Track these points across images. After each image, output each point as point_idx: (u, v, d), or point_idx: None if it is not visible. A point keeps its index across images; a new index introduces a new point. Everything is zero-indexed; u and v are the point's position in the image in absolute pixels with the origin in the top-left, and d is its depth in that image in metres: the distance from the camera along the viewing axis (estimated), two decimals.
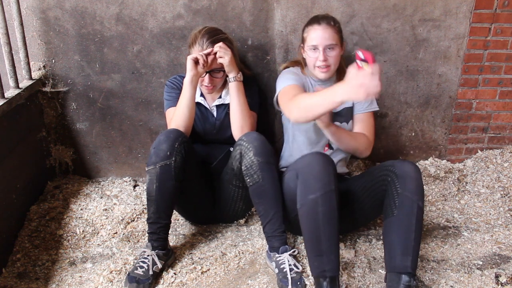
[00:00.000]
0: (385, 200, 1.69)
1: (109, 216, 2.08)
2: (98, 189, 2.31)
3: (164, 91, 2.05)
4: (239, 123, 1.91)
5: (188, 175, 1.83)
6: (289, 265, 1.71)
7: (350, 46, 2.29)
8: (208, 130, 2.04)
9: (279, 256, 1.75)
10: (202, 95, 2.04)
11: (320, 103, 1.53)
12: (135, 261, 1.76)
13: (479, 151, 2.59)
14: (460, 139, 2.56)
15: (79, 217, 2.06)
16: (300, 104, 1.62)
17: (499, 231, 2.08)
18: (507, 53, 2.39)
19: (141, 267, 1.69)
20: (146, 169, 1.76)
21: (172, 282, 1.72)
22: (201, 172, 1.96)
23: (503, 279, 1.74)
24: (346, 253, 1.89)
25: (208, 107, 2.03)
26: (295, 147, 2.04)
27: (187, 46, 2.02)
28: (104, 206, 2.13)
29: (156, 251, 1.75)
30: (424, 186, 2.35)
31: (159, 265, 1.72)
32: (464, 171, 2.49)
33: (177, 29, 2.18)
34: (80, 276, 1.76)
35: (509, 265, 1.84)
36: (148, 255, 1.72)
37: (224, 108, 2.03)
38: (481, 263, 1.86)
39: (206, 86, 1.93)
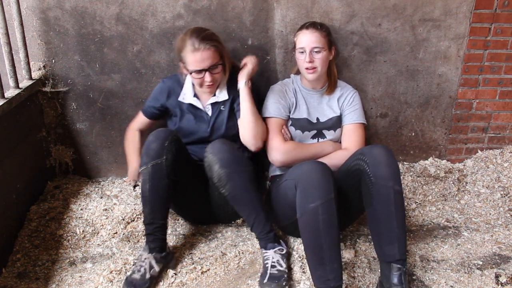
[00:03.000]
0: (362, 190, 1.69)
1: (109, 216, 2.08)
2: (98, 189, 2.31)
3: (156, 87, 2.09)
4: (252, 133, 1.91)
5: (182, 175, 1.83)
6: (272, 262, 1.71)
7: (350, 46, 2.29)
8: (202, 130, 2.02)
9: (266, 252, 1.77)
10: (195, 95, 2.02)
11: (312, 156, 1.96)
12: (134, 264, 1.76)
13: (479, 151, 2.59)
14: (460, 139, 2.56)
15: (79, 217, 2.06)
16: (291, 155, 1.95)
17: (499, 231, 2.08)
18: (507, 53, 2.39)
19: (138, 271, 1.68)
20: (139, 171, 1.77)
21: (172, 282, 1.72)
22: (194, 172, 1.95)
23: (503, 279, 1.74)
24: (346, 253, 1.89)
25: (201, 107, 2.02)
26: None
27: (175, 52, 1.98)
28: (104, 206, 2.13)
29: (154, 253, 1.73)
30: (424, 186, 2.36)
31: (157, 269, 1.71)
32: (464, 171, 2.49)
33: (177, 29, 2.18)
34: (80, 276, 1.76)
35: (509, 265, 1.84)
36: (145, 258, 1.71)
37: (218, 106, 2.02)
38: (481, 263, 1.86)
39: (208, 85, 1.92)
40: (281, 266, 1.71)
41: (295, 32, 2.05)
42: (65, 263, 1.84)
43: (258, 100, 2.07)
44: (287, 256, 1.83)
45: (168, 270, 1.78)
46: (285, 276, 1.69)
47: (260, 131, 1.94)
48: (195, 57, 1.83)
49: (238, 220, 2.13)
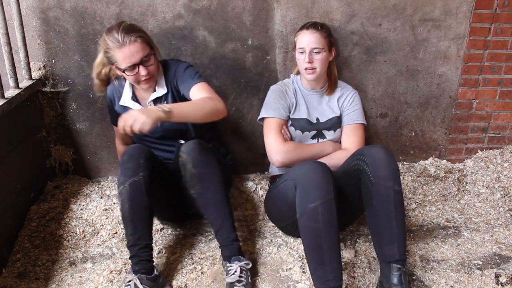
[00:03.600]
0: (362, 190, 1.69)
1: (109, 216, 2.08)
2: (98, 189, 2.31)
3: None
4: (208, 115, 1.71)
5: (160, 184, 1.79)
6: (239, 277, 1.66)
7: (350, 46, 2.29)
8: (153, 129, 1.81)
9: (230, 266, 1.70)
10: (133, 97, 1.92)
11: (312, 156, 1.96)
12: None
13: (479, 151, 2.59)
14: (460, 139, 2.56)
15: (79, 217, 2.06)
16: (291, 155, 1.94)
17: (499, 231, 2.08)
18: (507, 53, 2.39)
19: None
20: (117, 192, 1.70)
21: (172, 283, 1.72)
22: (166, 173, 1.89)
23: (503, 279, 1.74)
24: (346, 253, 1.89)
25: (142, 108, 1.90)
26: None
27: (102, 56, 1.83)
28: (104, 206, 2.13)
29: (139, 275, 1.63)
30: (424, 186, 2.36)
31: None
32: (464, 171, 2.49)
33: (177, 29, 2.18)
34: (80, 276, 1.76)
35: (509, 265, 1.84)
36: (129, 281, 1.62)
37: (161, 102, 1.89)
38: (481, 263, 1.86)
39: (145, 80, 1.79)
40: (247, 284, 1.66)
41: (296, 32, 2.05)
42: (65, 263, 1.84)
43: (189, 65, 1.92)
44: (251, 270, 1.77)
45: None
46: None
47: (207, 108, 1.70)
48: (123, 52, 1.71)
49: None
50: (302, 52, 1.96)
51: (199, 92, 1.81)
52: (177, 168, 1.83)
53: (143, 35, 1.77)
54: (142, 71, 1.77)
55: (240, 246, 1.77)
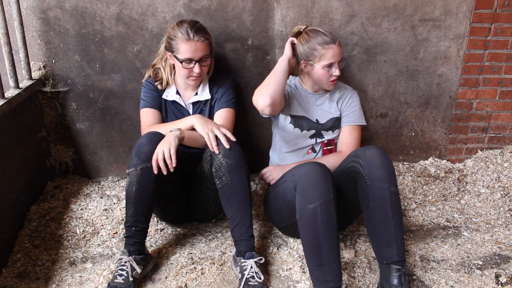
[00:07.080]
0: (358, 192, 1.68)
1: (109, 216, 2.08)
2: (98, 189, 2.31)
3: (141, 91, 2.05)
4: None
5: (168, 177, 1.80)
6: (252, 272, 1.67)
7: (350, 46, 2.29)
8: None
9: (244, 262, 1.71)
10: (178, 92, 2.02)
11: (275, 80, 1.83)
12: (114, 270, 1.71)
13: (479, 151, 2.59)
14: (460, 139, 2.56)
15: (79, 217, 2.06)
16: (261, 88, 1.85)
17: (499, 231, 2.08)
18: (507, 53, 2.39)
19: (121, 275, 1.64)
20: (127, 171, 1.73)
21: (172, 283, 1.72)
22: (176, 172, 1.91)
23: (503, 279, 1.74)
24: (346, 253, 1.89)
25: (184, 105, 2.02)
26: (280, 153, 2.07)
27: (165, 42, 1.94)
28: (104, 206, 2.13)
29: (133, 256, 1.71)
30: (424, 186, 2.36)
31: (138, 270, 1.68)
32: (464, 171, 2.49)
33: None
34: (80, 276, 1.76)
35: (509, 265, 1.84)
36: (125, 262, 1.68)
37: (199, 105, 2.02)
38: (481, 263, 1.86)
39: (195, 77, 1.91)
40: (259, 278, 1.67)
41: (319, 45, 1.87)
42: (65, 263, 1.84)
43: (234, 91, 2.07)
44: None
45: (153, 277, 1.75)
46: (264, 286, 1.66)
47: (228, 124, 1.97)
48: (190, 46, 1.84)
49: (213, 220, 2.15)
50: (331, 66, 1.90)
51: (221, 117, 1.98)
52: (190, 166, 1.91)
53: (209, 38, 1.91)
54: (197, 68, 1.89)
55: (254, 244, 1.79)
